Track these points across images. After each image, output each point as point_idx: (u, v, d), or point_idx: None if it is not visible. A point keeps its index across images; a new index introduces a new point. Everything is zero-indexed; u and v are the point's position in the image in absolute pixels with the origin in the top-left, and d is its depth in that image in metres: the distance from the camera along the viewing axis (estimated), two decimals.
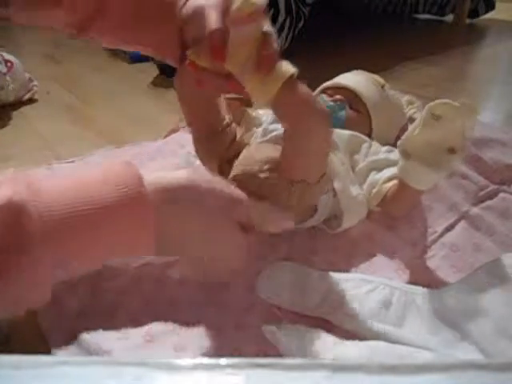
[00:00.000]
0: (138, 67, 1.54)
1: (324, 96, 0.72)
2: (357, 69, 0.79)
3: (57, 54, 1.73)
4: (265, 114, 0.71)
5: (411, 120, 0.73)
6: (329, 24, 1.87)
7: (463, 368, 0.16)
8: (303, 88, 0.45)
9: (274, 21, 1.29)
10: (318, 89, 0.76)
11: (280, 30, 1.32)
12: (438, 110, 0.50)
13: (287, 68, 0.44)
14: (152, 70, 1.46)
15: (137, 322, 0.49)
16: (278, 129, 0.64)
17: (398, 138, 0.56)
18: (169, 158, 0.88)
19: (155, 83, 1.38)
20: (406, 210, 0.62)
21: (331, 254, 0.61)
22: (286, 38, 1.35)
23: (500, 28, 1.96)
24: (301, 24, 1.38)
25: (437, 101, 0.51)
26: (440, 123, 0.50)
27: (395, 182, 0.59)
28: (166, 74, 1.41)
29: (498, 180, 0.69)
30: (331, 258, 0.60)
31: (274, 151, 0.52)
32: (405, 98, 0.78)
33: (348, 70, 0.78)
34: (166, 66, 1.40)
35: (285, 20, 1.31)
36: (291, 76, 0.44)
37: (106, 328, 0.48)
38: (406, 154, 0.53)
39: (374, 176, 0.62)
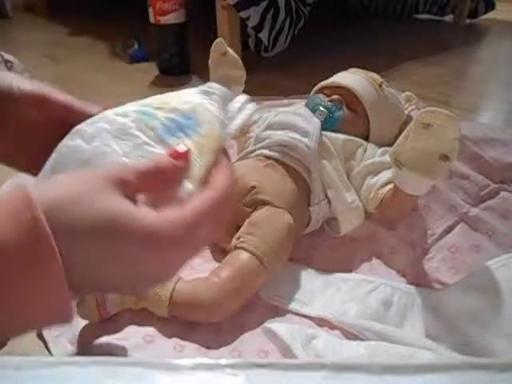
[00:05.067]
0: (137, 67, 1.53)
1: (321, 96, 0.70)
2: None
3: (57, 54, 1.72)
4: (259, 120, 0.70)
5: (410, 118, 0.73)
6: (329, 24, 1.86)
7: (463, 368, 0.16)
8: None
9: (274, 21, 1.29)
10: (315, 88, 0.74)
11: (280, 30, 1.32)
12: (427, 118, 0.49)
13: None
14: (152, 70, 1.46)
15: (137, 323, 0.49)
16: (270, 136, 0.64)
17: (398, 136, 0.55)
18: None
19: (155, 83, 1.38)
20: (403, 214, 0.62)
21: (332, 254, 0.61)
22: (286, 37, 1.35)
23: (500, 28, 1.96)
24: (301, 24, 1.38)
25: (425, 109, 0.50)
26: (430, 131, 0.49)
27: (391, 186, 0.58)
28: (166, 74, 1.41)
29: (499, 179, 0.69)
30: (332, 258, 0.60)
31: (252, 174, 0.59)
32: (403, 95, 0.78)
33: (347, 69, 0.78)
34: (166, 66, 1.41)
35: (285, 20, 1.31)
36: None
37: (106, 328, 0.48)
38: (398, 164, 0.53)
39: (370, 181, 0.62)
